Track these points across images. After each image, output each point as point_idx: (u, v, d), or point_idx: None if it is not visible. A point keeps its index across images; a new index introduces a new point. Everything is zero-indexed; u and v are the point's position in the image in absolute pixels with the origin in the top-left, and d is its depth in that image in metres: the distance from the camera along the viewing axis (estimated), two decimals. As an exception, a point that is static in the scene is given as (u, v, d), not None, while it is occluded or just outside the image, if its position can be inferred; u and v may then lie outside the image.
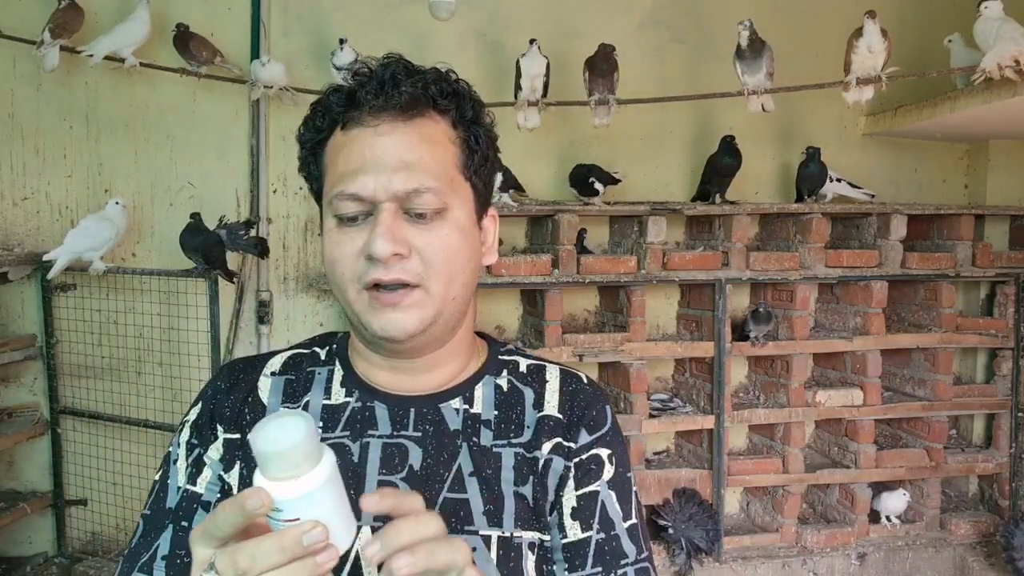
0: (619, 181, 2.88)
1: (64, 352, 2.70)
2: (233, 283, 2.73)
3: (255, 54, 2.73)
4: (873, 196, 3.08)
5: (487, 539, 0.78)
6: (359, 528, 0.71)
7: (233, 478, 0.82)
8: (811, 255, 2.88)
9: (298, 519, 0.59)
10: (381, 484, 0.79)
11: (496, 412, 0.85)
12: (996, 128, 3.03)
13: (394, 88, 0.77)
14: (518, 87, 2.69)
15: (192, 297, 2.65)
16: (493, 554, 0.78)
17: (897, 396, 3.13)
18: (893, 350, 3.05)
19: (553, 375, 0.90)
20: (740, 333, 2.93)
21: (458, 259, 0.79)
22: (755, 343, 2.87)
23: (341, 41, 2.60)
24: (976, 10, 2.43)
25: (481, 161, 0.83)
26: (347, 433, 0.82)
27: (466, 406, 0.85)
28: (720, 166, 2.86)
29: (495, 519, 0.79)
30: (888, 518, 3.03)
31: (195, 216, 2.51)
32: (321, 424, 0.83)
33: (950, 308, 3.01)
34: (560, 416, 0.85)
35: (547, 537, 0.82)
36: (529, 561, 0.79)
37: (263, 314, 2.83)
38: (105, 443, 2.70)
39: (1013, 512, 3.05)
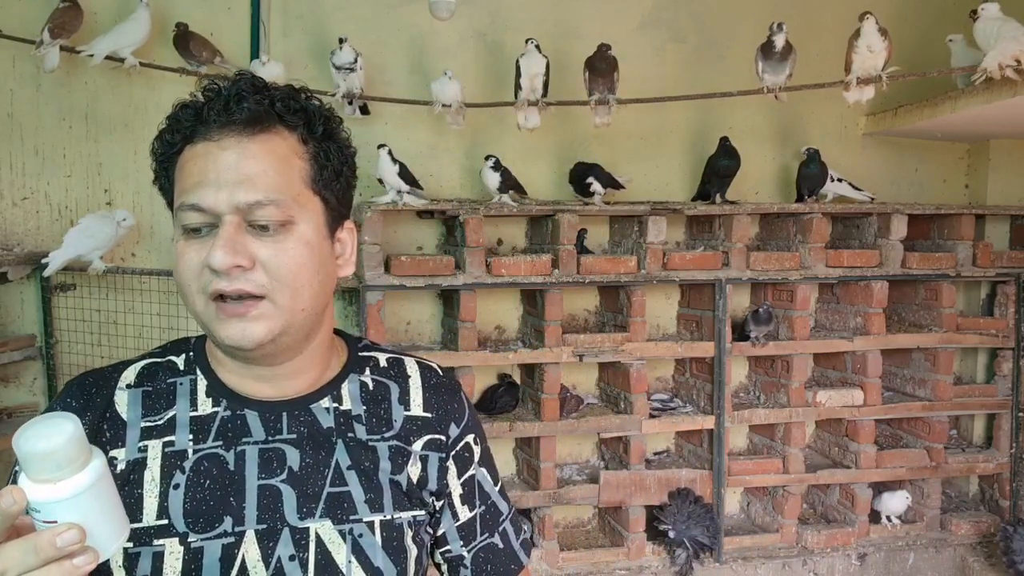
0: (622, 187, 2.87)
1: (64, 352, 2.70)
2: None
3: (255, 54, 2.73)
4: (873, 198, 3.07)
5: (371, 524, 0.85)
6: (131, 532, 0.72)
7: None
8: (811, 255, 2.88)
9: (55, 521, 0.59)
10: (261, 488, 0.83)
11: (365, 407, 0.91)
12: (997, 128, 3.02)
13: (238, 104, 0.79)
14: (518, 87, 2.69)
15: (192, 297, 2.64)
16: (377, 537, 0.85)
17: (897, 396, 3.13)
18: (893, 350, 3.05)
19: (413, 370, 0.97)
20: (740, 333, 2.93)
21: (304, 272, 0.81)
22: (755, 343, 2.87)
23: (341, 40, 2.60)
24: (970, 14, 2.44)
25: (332, 176, 0.85)
26: (220, 443, 0.84)
27: (336, 404, 0.90)
28: (719, 167, 2.86)
29: (376, 505, 0.86)
30: (888, 518, 3.02)
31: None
32: (191, 436, 0.84)
33: (950, 308, 3.01)
34: (428, 414, 0.94)
35: (420, 512, 0.90)
36: (407, 536, 0.88)
37: (263, 314, 2.83)
38: (105, 443, 2.69)
39: (1012, 514, 3.05)
